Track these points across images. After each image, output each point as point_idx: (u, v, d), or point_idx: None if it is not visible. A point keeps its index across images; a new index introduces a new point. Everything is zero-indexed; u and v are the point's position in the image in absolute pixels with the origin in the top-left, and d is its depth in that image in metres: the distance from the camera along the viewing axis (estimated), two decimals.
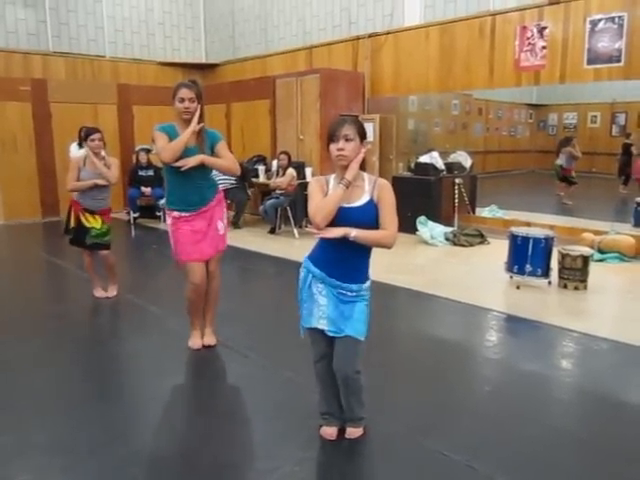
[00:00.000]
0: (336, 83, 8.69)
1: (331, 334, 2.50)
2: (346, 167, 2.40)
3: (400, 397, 3.21)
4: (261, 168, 9.11)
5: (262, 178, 8.99)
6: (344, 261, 2.45)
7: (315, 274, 2.49)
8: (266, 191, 8.72)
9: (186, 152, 3.49)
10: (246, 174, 8.79)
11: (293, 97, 8.97)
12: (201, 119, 3.57)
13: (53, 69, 10.41)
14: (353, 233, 2.33)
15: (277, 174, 8.28)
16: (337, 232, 2.34)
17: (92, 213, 4.89)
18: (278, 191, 8.13)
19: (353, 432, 2.68)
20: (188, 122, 3.51)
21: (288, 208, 8.07)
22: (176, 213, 3.65)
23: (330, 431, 2.68)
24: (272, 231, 8.25)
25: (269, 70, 10.56)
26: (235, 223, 8.65)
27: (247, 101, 9.93)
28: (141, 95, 10.48)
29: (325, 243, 2.46)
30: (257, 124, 9.84)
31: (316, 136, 8.70)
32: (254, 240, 7.77)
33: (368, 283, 2.53)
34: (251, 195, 9.08)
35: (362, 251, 2.45)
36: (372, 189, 2.45)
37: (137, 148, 9.59)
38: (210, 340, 3.91)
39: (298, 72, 9.26)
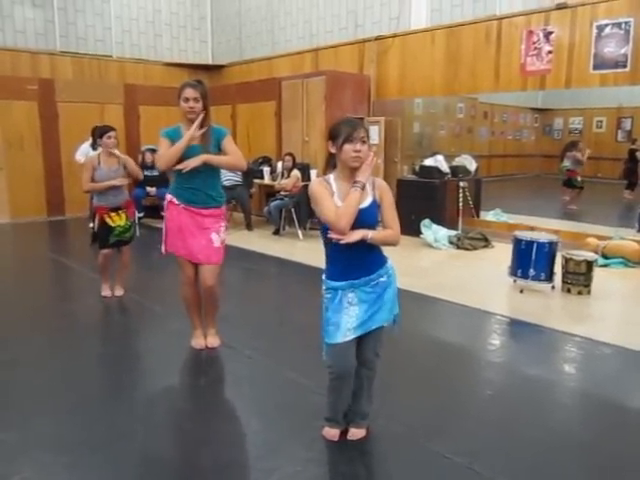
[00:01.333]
0: (342, 85, 8.72)
1: (356, 336, 2.52)
2: (356, 169, 2.42)
3: (403, 399, 3.22)
4: (266, 169, 9.14)
5: (267, 179, 9.02)
6: (362, 259, 2.49)
7: (343, 287, 2.49)
8: (271, 192, 8.75)
9: (190, 151, 3.49)
10: (249, 173, 8.85)
11: (299, 99, 8.99)
12: (207, 119, 3.57)
13: (60, 69, 10.46)
14: (370, 235, 2.40)
15: (282, 175, 8.31)
16: (356, 236, 2.36)
17: (117, 210, 4.93)
18: (283, 192, 8.16)
19: (357, 433, 2.70)
20: (193, 122, 3.51)
21: (292, 210, 8.09)
22: (170, 196, 3.68)
23: (333, 432, 2.70)
24: (276, 232, 8.28)
25: (275, 72, 10.59)
26: (248, 225, 8.72)
27: (253, 102, 9.97)
28: (147, 95, 10.53)
29: (337, 255, 2.47)
30: (263, 125, 9.87)
31: (321, 138, 8.71)
32: (258, 241, 7.79)
33: (389, 261, 2.62)
34: (252, 194, 9.13)
35: (373, 245, 2.49)
36: (373, 190, 2.50)
37: (143, 148, 9.62)
38: (213, 341, 3.91)
39: (304, 74, 9.29)
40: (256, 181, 9.11)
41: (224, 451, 2.65)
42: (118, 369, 3.66)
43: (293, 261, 6.43)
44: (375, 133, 8.85)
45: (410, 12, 8.58)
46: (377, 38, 8.96)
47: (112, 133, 4.84)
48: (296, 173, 8.00)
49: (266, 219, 8.62)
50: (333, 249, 2.46)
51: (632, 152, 10.59)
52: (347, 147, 2.38)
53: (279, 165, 8.64)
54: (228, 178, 8.81)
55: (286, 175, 8.17)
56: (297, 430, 2.81)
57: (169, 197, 3.69)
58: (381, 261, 2.57)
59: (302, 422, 2.87)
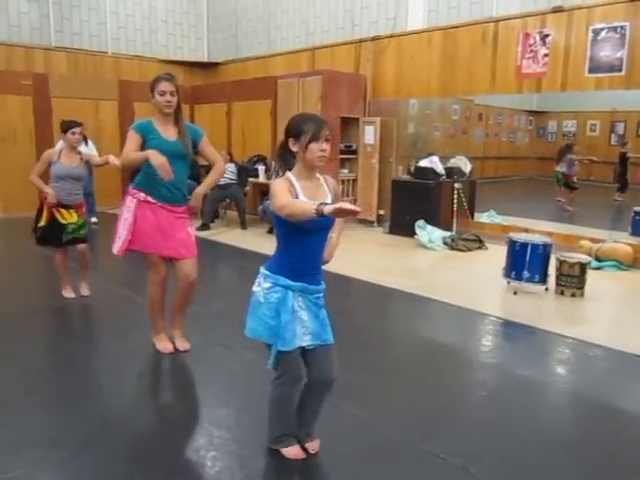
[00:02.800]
0: (338, 85, 8.71)
1: (312, 347, 2.38)
2: (314, 168, 2.32)
3: (396, 400, 3.23)
4: (261, 168, 9.14)
5: (262, 178, 9.01)
6: (318, 261, 2.41)
7: (294, 288, 2.32)
8: (265, 191, 8.73)
9: (169, 146, 3.40)
10: (242, 172, 8.84)
11: (294, 98, 8.98)
12: (180, 115, 3.55)
13: (55, 64, 10.39)
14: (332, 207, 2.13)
15: (277, 174, 8.28)
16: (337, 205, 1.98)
17: (67, 208, 4.77)
18: None
19: (315, 446, 2.58)
20: (168, 116, 3.48)
21: None
22: (142, 195, 3.48)
23: (295, 451, 2.52)
24: (270, 231, 8.24)
25: (271, 70, 10.57)
26: (242, 223, 8.74)
27: (248, 101, 9.95)
28: (142, 92, 10.27)
29: (295, 250, 2.31)
30: (258, 124, 9.85)
31: None
32: (253, 240, 7.77)
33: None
34: (247, 193, 9.14)
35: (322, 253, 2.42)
36: (328, 186, 2.42)
37: None
38: (184, 344, 3.78)
39: (300, 73, 9.28)
40: (251, 180, 9.10)
41: (220, 447, 2.64)
42: (110, 367, 3.64)
43: None
44: (371, 133, 8.86)
45: (407, 13, 8.59)
46: (374, 38, 8.96)
47: (77, 129, 4.69)
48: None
49: (260, 217, 8.60)
50: (293, 244, 2.29)
51: (622, 155, 10.67)
52: (313, 146, 2.25)
53: (274, 163, 8.62)
54: (223, 178, 8.79)
55: (281, 174, 8.13)
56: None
57: (142, 196, 3.48)
58: (322, 276, 2.45)
59: None
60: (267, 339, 2.37)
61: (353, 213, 1.93)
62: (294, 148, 2.30)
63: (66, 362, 3.73)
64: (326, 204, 2.01)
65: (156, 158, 3.24)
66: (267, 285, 2.34)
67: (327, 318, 2.45)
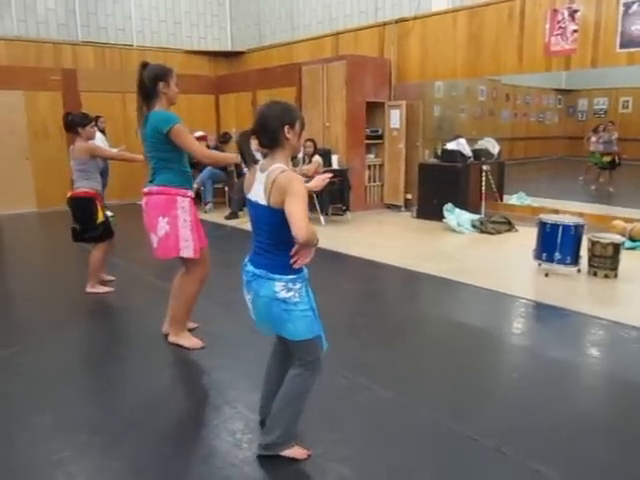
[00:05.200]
0: (362, 70, 8.66)
1: None
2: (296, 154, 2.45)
3: (428, 383, 3.24)
4: None
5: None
6: None
7: (306, 276, 2.38)
8: None
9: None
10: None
11: (319, 84, 8.96)
12: None
13: (82, 59, 10.54)
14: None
15: (303, 161, 8.31)
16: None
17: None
18: (305, 179, 8.16)
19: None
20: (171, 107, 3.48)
21: (315, 196, 8.09)
22: (190, 192, 3.53)
23: (301, 450, 2.48)
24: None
25: (295, 57, 10.55)
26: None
27: (273, 88, 9.95)
28: None
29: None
30: None
31: (342, 123, 8.69)
32: None
33: None
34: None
35: None
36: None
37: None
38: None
39: (324, 59, 9.25)
40: None
41: (256, 430, 2.69)
42: (142, 353, 3.73)
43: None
44: (396, 117, 8.80)
45: None
46: (398, 21, 8.86)
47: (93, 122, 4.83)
48: (318, 159, 8.00)
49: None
50: (292, 242, 2.20)
51: None
52: (303, 134, 2.36)
53: (302, 152, 8.65)
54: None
55: (307, 161, 8.16)
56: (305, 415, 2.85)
57: (185, 193, 3.46)
58: None
59: (330, 404, 2.90)
60: (319, 331, 2.37)
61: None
62: (289, 135, 2.26)
63: (108, 348, 3.85)
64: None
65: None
66: (298, 286, 2.30)
67: None
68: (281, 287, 2.26)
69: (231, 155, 3.59)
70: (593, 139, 10.76)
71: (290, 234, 2.10)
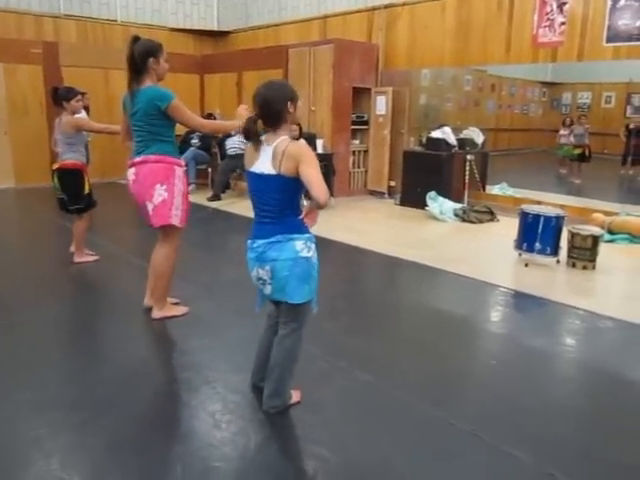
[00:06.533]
0: (350, 54, 8.60)
1: None
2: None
3: (407, 368, 3.27)
4: None
5: None
6: None
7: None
8: None
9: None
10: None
11: (306, 67, 8.89)
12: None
13: (64, 33, 10.29)
14: None
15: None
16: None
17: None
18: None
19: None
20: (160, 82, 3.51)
21: None
22: (184, 164, 3.67)
23: (298, 393, 2.79)
24: None
25: (282, 39, 10.44)
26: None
27: (259, 70, 9.83)
28: None
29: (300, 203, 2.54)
30: None
31: (328, 108, 8.64)
32: None
33: None
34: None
35: None
36: None
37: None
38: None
39: (311, 42, 9.16)
40: None
41: (235, 411, 2.69)
42: (123, 330, 3.70)
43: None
44: (382, 104, 8.77)
45: None
46: (387, 6, 8.80)
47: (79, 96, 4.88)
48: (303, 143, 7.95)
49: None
50: (299, 203, 2.53)
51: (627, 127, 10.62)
52: (298, 104, 2.50)
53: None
54: (232, 147, 8.79)
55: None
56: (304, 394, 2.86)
57: (180, 163, 3.61)
58: None
59: (310, 387, 2.91)
60: (314, 294, 2.56)
61: None
62: (291, 110, 2.45)
63: (88, 326, 3.81)
64: None
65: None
66: (313, 246, 2.50)
67: None
68: (302, 245, 2.44)
69: (231, 122, 3.61)
70: (564, 132, 10.96)
71: (296, 199, 2.41)
